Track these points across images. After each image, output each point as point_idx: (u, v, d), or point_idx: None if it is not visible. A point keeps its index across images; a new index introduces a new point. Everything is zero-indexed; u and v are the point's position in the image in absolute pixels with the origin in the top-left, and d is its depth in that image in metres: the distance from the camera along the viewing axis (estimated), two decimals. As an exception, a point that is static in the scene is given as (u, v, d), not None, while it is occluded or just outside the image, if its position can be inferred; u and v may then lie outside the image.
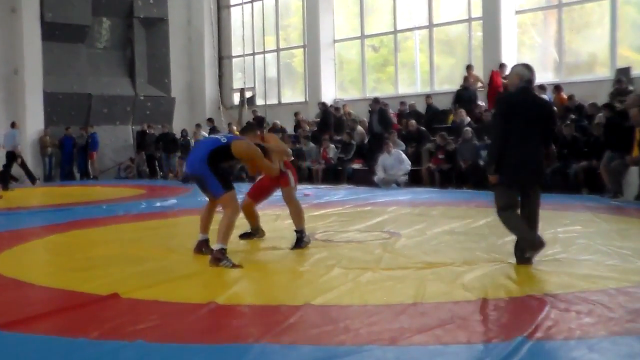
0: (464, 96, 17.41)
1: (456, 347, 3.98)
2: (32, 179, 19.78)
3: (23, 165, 19.56)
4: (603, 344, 3.89)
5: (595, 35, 17.30)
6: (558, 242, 7.32)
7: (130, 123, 24.39)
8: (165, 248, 7.73)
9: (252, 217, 8.20)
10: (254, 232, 8.23)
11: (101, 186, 19.72)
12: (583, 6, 17.44)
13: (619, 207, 10.69)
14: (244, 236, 8.14)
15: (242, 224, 9.70)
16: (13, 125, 19.94)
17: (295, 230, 7.57)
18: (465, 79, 17.78)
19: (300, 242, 7.45)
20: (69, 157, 22.75)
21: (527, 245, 6.09)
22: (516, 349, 3.76)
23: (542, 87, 16.08)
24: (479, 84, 17.83)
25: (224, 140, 7.00)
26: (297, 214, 7.61)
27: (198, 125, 22.33)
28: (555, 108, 15.19)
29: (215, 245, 6.59)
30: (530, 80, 6.24)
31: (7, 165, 19.02)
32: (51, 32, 22.51)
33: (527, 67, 6.33)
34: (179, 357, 3.91)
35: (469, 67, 17.96)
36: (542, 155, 6.24)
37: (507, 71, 16.93)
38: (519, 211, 6.25)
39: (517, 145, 6.07)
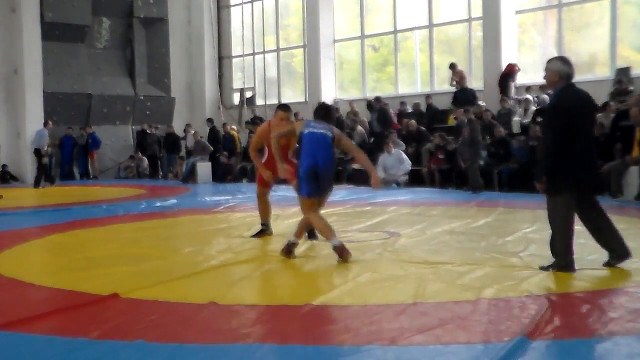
0: (461, 97, 17.42)
1: (456, 347, 3.98)
2: (51, 179, 19.90)
3: (45, 165, 19.83)
4: (603, 344, 3.89)
5: (595, 35, 17.29)
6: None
7: (130, 123, 24.39)
8: (165, 248, 7.74)
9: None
10: (266, 228, 8.47)
11: (101, 186, 19.73)
12: (583, 6, 17.43)
13: (619, 206, 10.68)
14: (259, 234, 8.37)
15: (248, 222, 9.71)
16: (45, 124, 20.10)
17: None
18: (452, 79, 17.88)
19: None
20: (69, 157, 22.74)
21: (561, 264, 5.69)
22: (516, 348, 3.76)
23: (542, 87, 16.11)
24: (464, 83, 17.87)
25: (329, 133, 6.80)
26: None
27: (188, 125, 22.38)
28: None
29: (334, 241, 6.55)
30: (570, 76, 5.76)
31: (40, 163, 19.52)
32: (51, 32, 22.51)
33: (565, 61, 5.85)
34: (179, 357, 3.91)
35: (452, 66, 18.01)
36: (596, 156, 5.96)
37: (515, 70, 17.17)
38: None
39: (582, 147, 5.63)
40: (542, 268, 5.78)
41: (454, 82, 17.94)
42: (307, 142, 6.75)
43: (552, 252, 5.80)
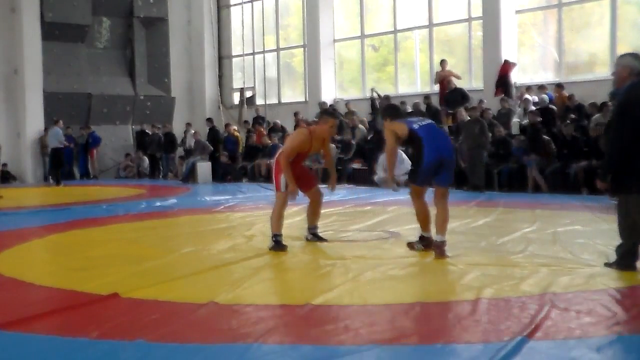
0: (450, 98, 17.40)
1: (456, 346, 3.99)
2: (57, 179, 19.91)
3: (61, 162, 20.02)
4: (603, 343, 3.89)
5: (595, 35, 17.29)
6: (558, 242, 7.32)
7: (130, 123, 24.39)
8: (165, 248, 7.74)
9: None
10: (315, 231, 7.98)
11: (101, 186, 19.74)
12: (583, 6, 17.43)
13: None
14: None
15: (248, 222, 9.70)
16: (56, 122, 20.14)
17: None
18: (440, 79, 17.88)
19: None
20: (69, 157, 22.73)
21: (622, 263, 5.69)
22: (516, 348, 3.77)
23: (542, 87, 16.12)
24: (454, 80, 17.86)
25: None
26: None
27: (189, 124, 22.38)
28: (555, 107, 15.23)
29: (438, 237, 6.68)
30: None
31: (58, 161, 19.80)
32: (51, 31, 22.50)
33: (637, 58, 5.64)
34: (179, 356, 3.92)
35: (442, 62, 18.02)
36: None
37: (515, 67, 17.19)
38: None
39: None
40: (607, 265, 5.84)
41: (441, 80, 17.89)
42: (427, 135, 6.79)
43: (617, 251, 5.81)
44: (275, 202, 7.57)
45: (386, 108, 7.38)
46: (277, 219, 7.41)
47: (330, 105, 20.27)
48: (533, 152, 13.78)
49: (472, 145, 14.17)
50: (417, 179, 6.93)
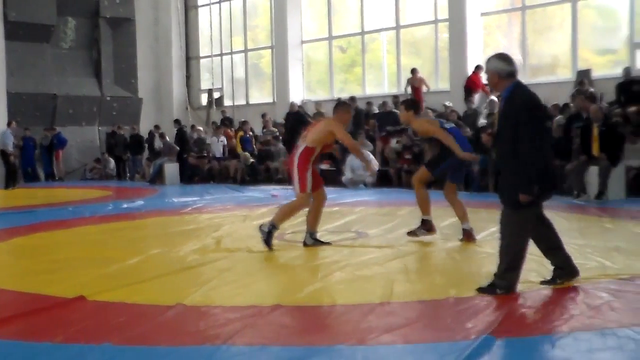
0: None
1: (423, 345, 4.04)
2: (9, 183, 19.49)
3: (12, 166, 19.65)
4: (565, 340, 3.97)
5: (557, 38, 17.56)
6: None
7: (96, 124, 24.16)
8: (132, 250, 7.69)
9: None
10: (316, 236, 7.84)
11: (67, 188, 19.51)
12: (545, 9, 17.69)
13: (581, 206, 10.87)
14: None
15: (216, 224, 9.68)
16: (9, 124, 19.92)
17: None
18: (412, 86, 17.95)
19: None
20: (30, 159, 22.40)
21: (512, 280, 5.15)
22: (482, 346, 3.83)
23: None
24: (424, 88, 17.97)
25: None
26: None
27: (157, 127, 22.21)
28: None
29: (466, 225, 7.54)
30: (513, 73, 5.23)
31: (7, 164, 19.39)
32: (15, 31, 22.19)
33: (503, 58, 5.31)
34: (146, 359, 3.91)
35: (413, 71, 18.12)
36: None
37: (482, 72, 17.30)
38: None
39: (549, 152, 5.21)
40: (483, 290, 5.16)
41: (410, 89, 17.99)
42: (457, 138, 7.53)
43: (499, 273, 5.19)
44: (294, 200, 7.52)
45: (413, 102, 8.14)
46: (286, 215, 7.48)
47: (299, 106, 20.30)
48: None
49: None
50: (434, 170, 7.62)
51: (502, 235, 5.22)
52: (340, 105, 8.03)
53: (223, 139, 20.24)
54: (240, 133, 19.60)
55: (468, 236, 7.51)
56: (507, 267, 5.12)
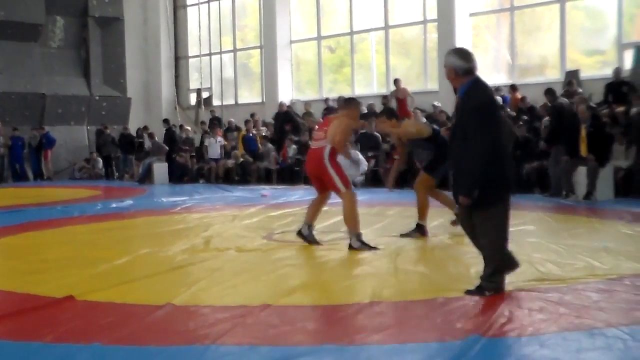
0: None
1: (412, 345, 4.05)
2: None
3: None
4: (553, 340, 3.99)
5: (546, 39, 17.65)
6: (511, 241, 7.44)
7: (85, 123, 24.07)
8: (121, 249, 7.67)
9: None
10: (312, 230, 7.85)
11: (55, 187, 19.43)
12: (534, 10, 17.77)
13: (570, 206, 10.93)
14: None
15: (205, 223, 9.66)
16: None
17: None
18: (396, 98, 17.85)
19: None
20: (18, 158, 22.31)
21: (511, 267, 5.19)
22: (471, 346, 3.84)
23: (497, 89, 16.36)
24: (409, 100, 17.84)
25: None
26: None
27: (146, 127, 22.12)
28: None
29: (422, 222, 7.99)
30: (470, 70, 5.09)
31: None
32: (3, 30, 22.07)
33: (461, 55, 5.17)
34: (135, 359, 3.90)
35: (396, 82, 18.09)
36: None
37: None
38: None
39: (505, 150, 5.15)
40: (470, 292, 5.09)
41: (395, 101, 17.92)
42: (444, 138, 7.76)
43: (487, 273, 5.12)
44: (344, 204, 7.33)
45: (392, 111, 8.44)
46: (354, 218, 7.26)
47: (288, 106, 20.31)
48: None
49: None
50: (435, 173, 7.90)
51: (482, 237, 5.13)
52: (351, 102, 7.90)
53: (221, 139, 20.07)
54: (243, 132, 19.36)
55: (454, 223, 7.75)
56: (495, 269, 5.08)
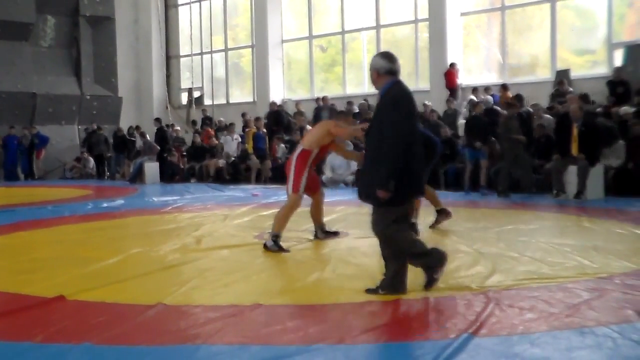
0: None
1: (403, 344, 4.05)
2: None
3: None
4: (544, 338, 4.00)
5: (537, 38, 17.71)
6: (502, 240, 7.49)
7: (76, 123, 24.01)
8: (112, 249, 7.65)
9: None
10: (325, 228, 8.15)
11: (46, 187, 19.36)
12: (525, 9, 17.83)
13: (560, 205, 10.97)
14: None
15: (196, 223, 9.65)
16: None
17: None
18: None
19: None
20: (12, 157, 22.25)
21: (439, 261, 5.19)
22: (462, 345, 3.85)
23: (487, 89, 16.41)
24: None
25: None
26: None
27: (137, 127, 22.07)
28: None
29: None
30: (391, 71, 5.16)
31: None
32: (-7, 29, 22.04)
33: (384, 56, 5.26)
34: (126, 359, 3.89)
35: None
36: None
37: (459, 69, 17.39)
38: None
39: (415, 154, 5.07)
40: (370, 291, 5.12)
41: None
42: (431, 138, 8.19)
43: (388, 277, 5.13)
44: (286, 202, 7.51)
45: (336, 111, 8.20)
46: (284, 219, 7.36)
47: (279, 106, 20.29)
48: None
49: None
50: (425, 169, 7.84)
51: (378, 239, 5.19)
52: (340, 113, 8.43)
53: (237, 136, 19.60)
54: (253, 130, 19.15)
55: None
56: (394, 273, 5.08)
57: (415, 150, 5.04)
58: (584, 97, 13.44)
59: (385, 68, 5.14)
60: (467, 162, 13.57)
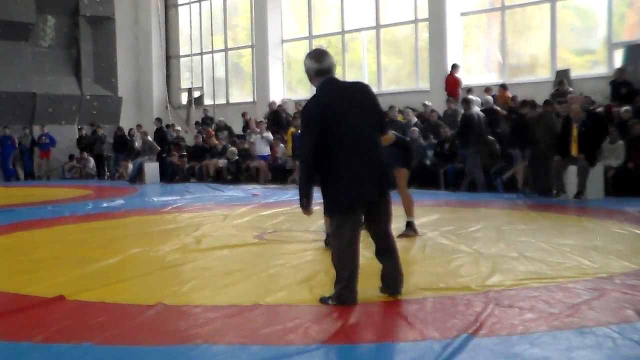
0: None
1: (403, 344, 4.05)
2: None
3: None
4: (544, 338, 4.00)
5: (536, 38, 17.71)
6: (502, 240, 7.49)
7: (76, 123, 24.01)
8: (112, 249, 7.65)
9: None
10: None
11: (47, 187, 19.36)
12: (524, 9, 17.83)
13: (560, 205, 10.97)
14: None
15: (196, 223, 9.65)
16: None
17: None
18: None
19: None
20: (8, 157, 22.19)
21: (341, 296, 4.84)
22: (462, 345, 3.85)
23: (488, 89, 16.41)
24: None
25: None
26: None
27: (139, 126, 22.06)
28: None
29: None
30: (321, 71, 4.87)
31: None
32: (-7, 29, 22.04)
33: (312, 56, 4.92)
34: (126, 359, 3.89)
35: None
36: (382, 154, 4.93)
37: (459, 71, 17.37)
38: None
39: (350, 157, 4.72)
40: (322, 300, 4.94)
41: None
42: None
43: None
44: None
45: None
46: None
47: (279, 106, 20.28)
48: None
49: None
50: (408, 165, 8.10)
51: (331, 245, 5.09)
52: None
53: (267, 134, 19.01)
54: (292, 129, 18.52)
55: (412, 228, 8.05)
56: (336, 278, 4.89)
57: (342, 155, 4.70)
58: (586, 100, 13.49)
59: (313, 69, 4.88)
60: (514, 163, 13.28)
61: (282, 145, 18.32)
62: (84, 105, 23.94)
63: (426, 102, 17.00)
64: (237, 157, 18.70)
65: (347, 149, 4.71)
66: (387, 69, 20.20)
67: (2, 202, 14.43)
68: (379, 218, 4.95)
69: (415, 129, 15.69)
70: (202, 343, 4.04)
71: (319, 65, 4.87)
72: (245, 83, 24.58)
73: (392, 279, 5.01)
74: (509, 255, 6.63)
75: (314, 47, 21.95)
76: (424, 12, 18.74)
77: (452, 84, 17.07)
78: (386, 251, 5.03)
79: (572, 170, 11.69)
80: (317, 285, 5.56)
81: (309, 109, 4.86)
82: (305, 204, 4.85)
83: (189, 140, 21.70)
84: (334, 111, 4.73)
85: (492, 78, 17.74)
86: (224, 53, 24.67)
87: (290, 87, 22.86)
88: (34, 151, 22.82)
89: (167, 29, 26.26)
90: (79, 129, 23.35)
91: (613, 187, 11.90)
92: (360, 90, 4.96)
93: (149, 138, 20.42)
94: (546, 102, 13.07)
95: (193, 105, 24.83)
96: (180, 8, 26.14)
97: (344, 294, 4.83)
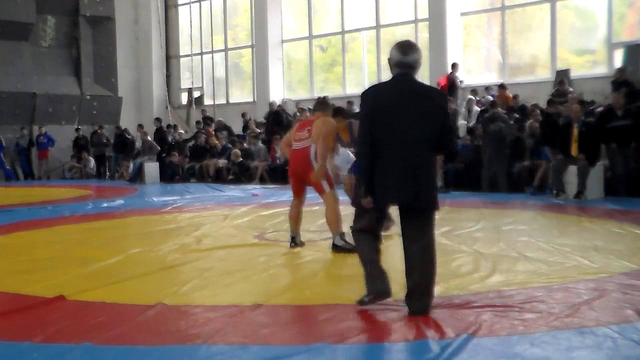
0: None
1: (403, 344, 4.05)
2: None
3: None
4: (544, 338, 4.00)
5: (537, 38, 17.72)
6: (502, 240, 7.49)
7: (76, 123, 24.01)
8: (112, 249, 7.65)
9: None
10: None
11: (46, 187, 19.37)
12: (525, 9, 17.83)
13: (560, 205, 10.97)
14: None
15: (196, 223, 9.65)
16: None
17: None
18: None
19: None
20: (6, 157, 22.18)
21: (373, 288, 4.68)
22: (462, 345, 3.85)
23: (488, 89, 16.42)
24: None
25: None
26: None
27: (140, 126, 22.06)
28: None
29: None
30: (402, 64, 4.78)
31: None
32: (-6, 29, 22.04)
33: (399, 46, 4.85)
34: (126, 359, 3.89)
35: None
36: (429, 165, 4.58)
37: (458, 70, 17.36)
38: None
39: (390, 154, 4.51)
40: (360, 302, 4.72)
41: None
42: None
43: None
44: (326, 205, 7.20)
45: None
46: (338, 218, 7.10)
47: (279, 106, 20.28)
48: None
49: None
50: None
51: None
52: (338, 111, 7.94)
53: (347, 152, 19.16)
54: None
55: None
56: (365, 277, 4.73)
57: (381, 152, 4.51)
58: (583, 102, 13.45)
59: (393, 59, 4.77)
60: (543, 162, 13.07)
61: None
62: (84, 105, 23.95)
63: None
64: (240, 159, 18.66)
65: (387, 148, 4.50)
66: (387, 69, 20.18)
67: (2, 202, 14.43)
68: (407, 234, 4.65)
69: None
70: (202, 343, 4.03)
71: (401, 57, 4.73)
72: (245, 83, 24.58)
73: (411, 299, 4.62)
74: (509, 255, 6.63)
75: (313, 47, 22.05)
76: (424, 12, 18.74)
77: (442, 83, 17.03)
78: (407, 270, 4.69)
79: (572, 170, 11.68)
80: (317, 285, 5.56)
81: (362, 98, 4.77)
82: (363, 193, 4.49)
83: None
84: (381, 107, 4.59)
85: (492, 78, 17.74)
86: (224, 53, 24.68)
87: (290, 87, 22.86)
88: (32, 151, 22.78)
89: (167, 29, 26.26)
90: (76, 130, 23.32)
91: (613, 188, 11.86)
92: (427, 96, 4.75)
93: (149, 138, 20.42)
94: (580, 103, 12.87)
95: (193, 105, 24.83)
96: (180, 8, 26.14)
97: (371, 291, 4.63)
